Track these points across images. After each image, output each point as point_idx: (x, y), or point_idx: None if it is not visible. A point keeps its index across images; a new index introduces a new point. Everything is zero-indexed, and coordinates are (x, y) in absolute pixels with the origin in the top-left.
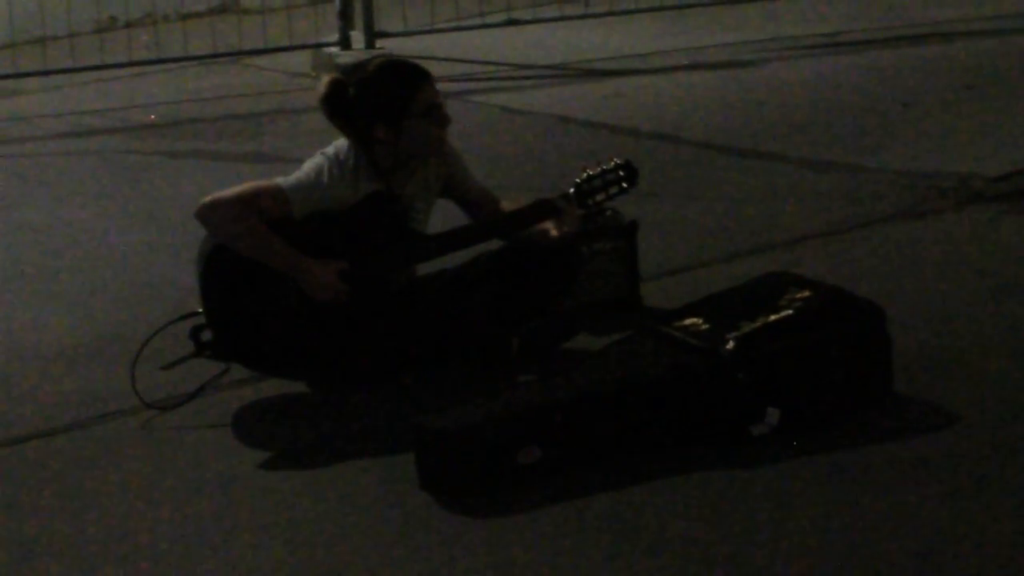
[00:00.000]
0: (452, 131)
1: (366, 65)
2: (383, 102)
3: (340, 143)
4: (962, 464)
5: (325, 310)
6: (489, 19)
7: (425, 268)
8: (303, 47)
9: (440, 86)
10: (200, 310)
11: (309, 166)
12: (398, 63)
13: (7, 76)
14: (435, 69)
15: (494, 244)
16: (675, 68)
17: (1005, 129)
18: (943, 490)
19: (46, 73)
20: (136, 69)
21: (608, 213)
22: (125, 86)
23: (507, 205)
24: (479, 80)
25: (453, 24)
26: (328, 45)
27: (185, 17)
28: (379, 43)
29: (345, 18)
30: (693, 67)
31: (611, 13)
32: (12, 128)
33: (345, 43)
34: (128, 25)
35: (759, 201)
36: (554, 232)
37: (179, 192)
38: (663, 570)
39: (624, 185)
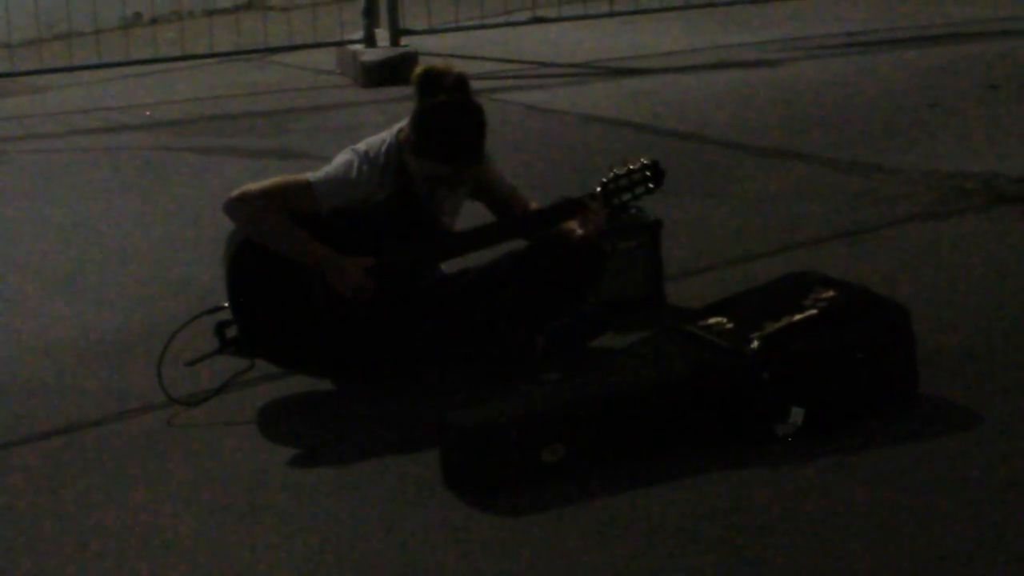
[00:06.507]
0: None
1: (454, 80)
2: (425, 135)
3: (372, 140)
4: (986, 465)
5: (351, 306)
6: (514, 17)
7: (450, 266)
8: (328, 44)
9: None
10: (226, 304)
11: (339, 161)
12: (474, 128)
13: (33, 72)
14: (460, 67)
15: (519, 242)
16: (700, 67)
17: None
18: (967, 491)
19: (71, 69)
20: (161, 65)
21: (632, 211)
22: (150, 82)
23: (536, 205)
24: (504, 78)
25: (478, 22)
26: (353, 42)
27: (210, 13)
28: (404, 41)
29: (370, 15)
30: (718, 66)
31: (636, 12)
32: (38, 124)
33: (370, 41)
34: (154, 21)
35: (783, 200)
36: (580, 230)
37: (204, 188)
38: (687, 570)
39: (650, 185)
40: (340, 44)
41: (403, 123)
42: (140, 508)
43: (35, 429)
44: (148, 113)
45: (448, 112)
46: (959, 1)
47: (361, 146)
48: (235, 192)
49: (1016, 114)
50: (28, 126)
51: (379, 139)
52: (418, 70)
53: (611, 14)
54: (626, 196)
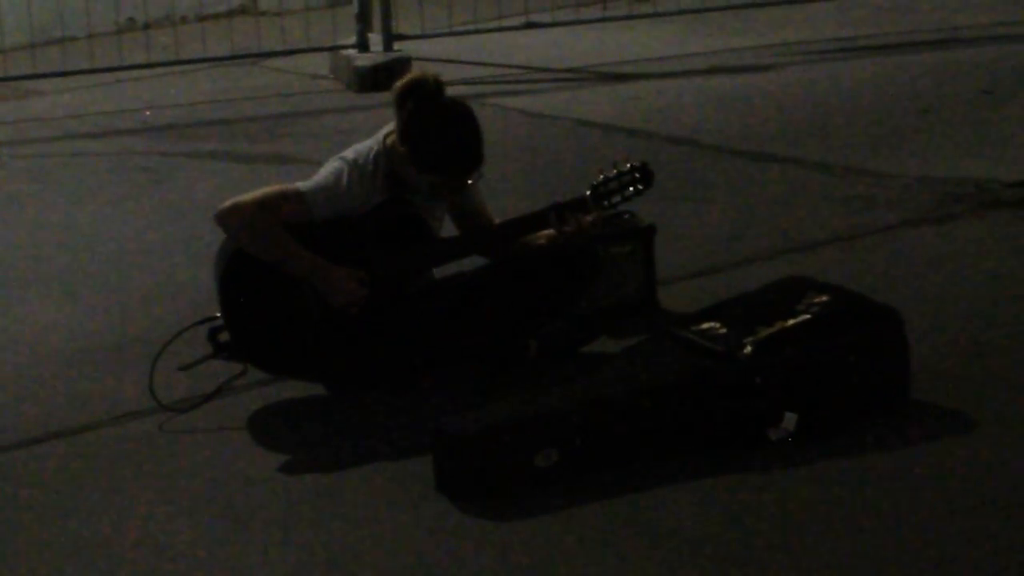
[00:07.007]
0: None
1: (432, 85)
2: (429, 153)
3: (360, 148)
4: (979, 472)
5: (343, 313)
6: (507, 22)
7: (442, 271)
8: (321, 49)
9: (457, 89)
10: (219, 314)
11: (328, 170)
12: (471, 133)
13: (27, 77)
14: (453, 72)
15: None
16: (693, 72)
17: (1022, 135)
18: (960, 497)
19: (65, 74)
20: (155, 70)
21: (626, 216)
22: (144, 87)
23: (499, 221)
24: (497, 83)
25: (471, 27)
26: (346, 47)
27: (203, 19)
28: (397, 45)
29: (363, 20)
30: (711, 71)
31: (629, 16)
32: (32, 128)
33: (363, 45)
34: (147, 26)
35: (776, 205)
36: (572, 234)
37: (197, 193)
38: (678, 573)
39: (639, 187)
40: (333, 49)
41: (389, 128)
42: (133, 513)
43: (28, 434)
44: (148, 113)
45: (443, 125)
46: (951, 7)
47: (349, 154)
48: (227, 203)
49: (1008, 119)
50: (22, 131)
51: (366, 147)
52: (397, 85)
53: (604, 19)
54: (615, 198)
